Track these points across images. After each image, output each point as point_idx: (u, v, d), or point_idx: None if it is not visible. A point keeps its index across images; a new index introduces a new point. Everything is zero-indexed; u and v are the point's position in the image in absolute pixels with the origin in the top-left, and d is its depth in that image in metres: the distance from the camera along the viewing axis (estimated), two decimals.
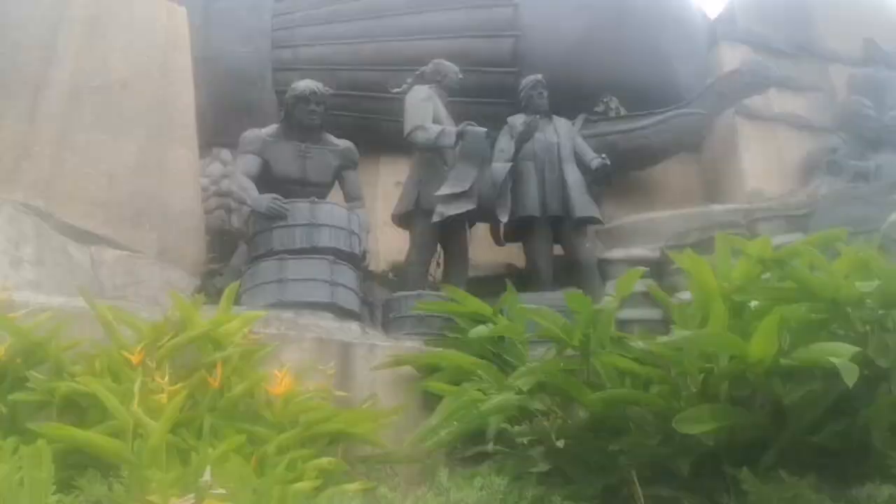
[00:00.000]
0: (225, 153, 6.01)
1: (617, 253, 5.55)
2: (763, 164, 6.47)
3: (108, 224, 4.25)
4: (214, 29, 6.46)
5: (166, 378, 2.81)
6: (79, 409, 2.75)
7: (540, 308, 3.39)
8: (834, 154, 6.25)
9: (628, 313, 4.80)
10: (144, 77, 4.72)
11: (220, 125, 5.79)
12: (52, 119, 4.30)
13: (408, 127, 5.11)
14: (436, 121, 5.13)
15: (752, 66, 6.30)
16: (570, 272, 5.36)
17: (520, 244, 5.59)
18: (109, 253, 4.13)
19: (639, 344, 3.11)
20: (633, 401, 2.86)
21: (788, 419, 2.61)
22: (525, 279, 5.34)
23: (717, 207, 5.93)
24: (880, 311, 2.60)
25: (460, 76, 5.52)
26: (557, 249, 5.51)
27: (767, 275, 2.93)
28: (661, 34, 6.73)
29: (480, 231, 5.67)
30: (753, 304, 2.91)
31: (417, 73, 5.49)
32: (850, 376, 2.17)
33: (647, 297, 4.67)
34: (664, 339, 3.01)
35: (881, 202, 4.46)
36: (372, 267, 5.58)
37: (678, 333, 2.79)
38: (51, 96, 4.38)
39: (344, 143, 5.08)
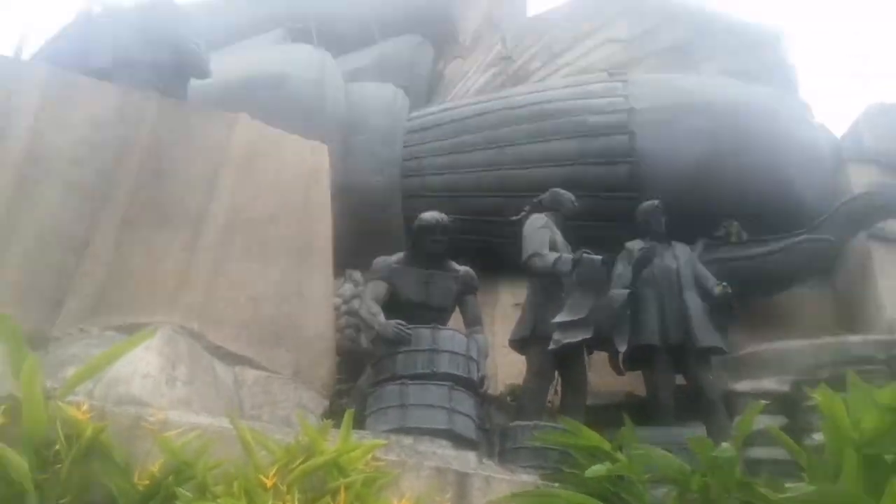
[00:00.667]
0: (357, 274, 6.43)
1: (744, 385, 5.34)
2: None
3: (251, 346, 4.63)
4: (351, 160, 7.09)
5: (295, 502, 3.00)
6: None
7: (655, 449, 3.34)
8: None
9: (758, 452, 4.59)
10: (289, 210, 5.22)
11: (353, 248, 6.21)
12: (208, 249, 4.82)
13: (525, 254, 5.31)
14: (552, 248, 5.30)
15: (885, 189, 6.09)
16: (694, 404, 5.20)
17: (640, 372, 5.51)
18: (250, 373, 4.49)
19: (764, 492, 3.00)
20: None
21: None
22: (646, 410, 5.24)
23: (852, 339, 5.61)
24: None
25: (576, 204, 5.71)
26: (680, 379, 5.39)
27: None
28: (783, 157, 6.67)
29: (601, 357, 5.66)
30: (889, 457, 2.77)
31: (535, 201, 5.73)
32: None
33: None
34: (792, 490, 2.91)
35: None
36: (491, 390, 5.67)
37: (804, 486, 2.69)
38: (208, 229, 4.91)
39: (464, 269, 5.34)
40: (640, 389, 5.57)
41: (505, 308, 6.54)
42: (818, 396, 3.21)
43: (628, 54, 8.75)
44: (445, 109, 7.79)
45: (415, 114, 7.81)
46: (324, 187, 5.53)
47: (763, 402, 3.59)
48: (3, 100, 4.73)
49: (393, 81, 8.25)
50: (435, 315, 5.04)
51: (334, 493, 3.20)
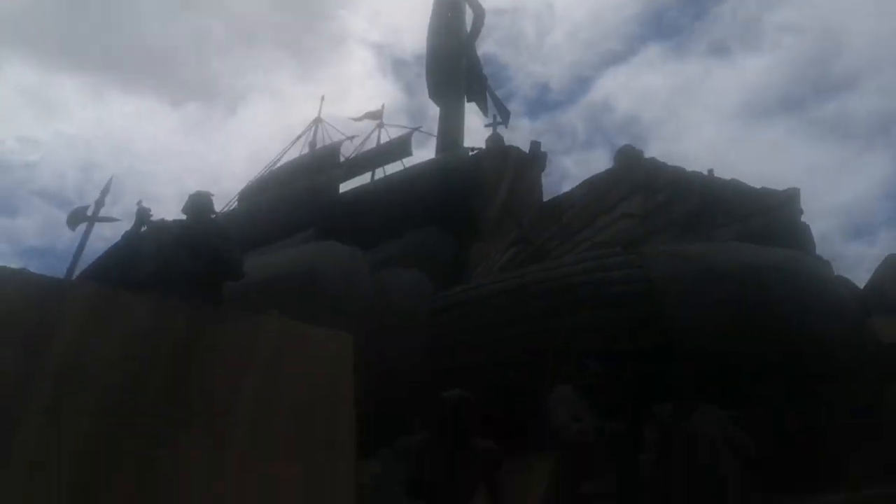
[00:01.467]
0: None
1: None
2: None
3: None
4: (378, 342, 7.28)
5: None
6: None
7: None
8: None
9: None
10: (315, 401, 5.35)
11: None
12: (235, 444, 4.93)
13: None
14: None
15: None
16: None
17: None
18: None
19: None
20: None
21: None
22: None
23: None
24: None
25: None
26: None
27: None
28: (807, 316, 6.66)
29: None
30: None
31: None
32: None
33: None
34: None
35: None
36: None
37: None
38: (235, 424, 5.05)
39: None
40: None
41: None
42: None
43: (644, 228, 9.12)
44: (468, 289, 8.10)
45: (440, 294, 8.13)
46: (347, 377, 5.67)
47: None
48: (46, 318, 5.12)
49: (417, 268, 8.67)
50: None
51: None
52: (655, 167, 9.83)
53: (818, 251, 8.38)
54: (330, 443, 5.19)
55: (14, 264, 6.26)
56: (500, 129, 16.66)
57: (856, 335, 6.71)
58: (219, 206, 6.99)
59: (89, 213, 9.07)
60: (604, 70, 65.00)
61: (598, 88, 64.62)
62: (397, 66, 65.11)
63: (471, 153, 13.16)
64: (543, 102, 64.59)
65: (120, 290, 5.46)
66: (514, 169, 13.24)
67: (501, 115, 17.02)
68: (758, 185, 9.33)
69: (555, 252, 8.85)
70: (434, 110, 16.64)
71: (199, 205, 6.17)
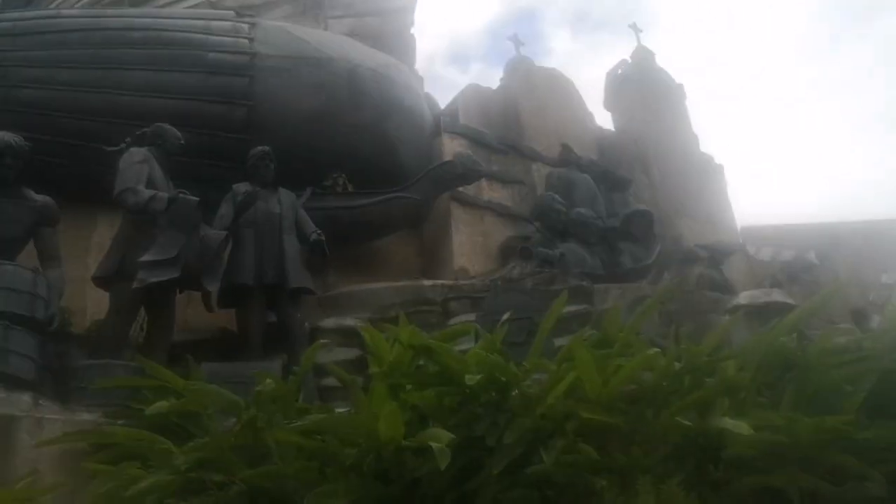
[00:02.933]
0: None
1: (329, 322, 5.86)
2: (470, 245, 7.28)
3: None
4: None
5: None
6: None
7: (209, 385, 3.52)
8: (526, 241, 7.22)
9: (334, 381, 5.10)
10: None
11: None
12: None
13: (118, 188, 5.04)
14: (150, 184, 5.12)
15: (464, 160, 7.10)
16: (282, 340, 5.56)
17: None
18: None
19: (304, 419, 3.37)
20: (284, 475, 3.08)
21: (421, 489, 3.00)
22: (237, 346, 5.45)
23: (425, 282, 6.54)
24: (494, 394, 3.14)
25: (182, 142, 5.56)
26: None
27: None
28: (390, 120, 7.34)
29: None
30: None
31: (138, 133, 5.45)
32: (443, 459, 2.59)
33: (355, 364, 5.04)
34: (318, 417, 3.32)
35: (539, 293, 5.29)
36: (78, 328, 5.34)
37: (322, 416, 3.09)
38: None
39: (42, 199, 4.86)
40: (235, 325, 5.76)
41: (102, 241, 6.08)
42: (364, 333, 3.69)
43: None
44: (46, 17, 6.87)
45: (5, 15, 6.75)
46: None
47: (327, 341, 3.96)
48: None
49: None
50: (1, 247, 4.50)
51: None
52: None
53: (417, 66, 9.11)
54: None
55: None
56: None
57: (427, 151, 7.65)
58: None
59: None
60: None
61: None
62: None
63: None
64: None
65: None
66: None
67: None
68: None
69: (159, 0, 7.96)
70: None
71: None
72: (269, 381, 3.59)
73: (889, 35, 29.71)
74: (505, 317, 3.95)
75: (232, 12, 7.52)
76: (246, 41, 7.05)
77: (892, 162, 28.30)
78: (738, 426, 2.41)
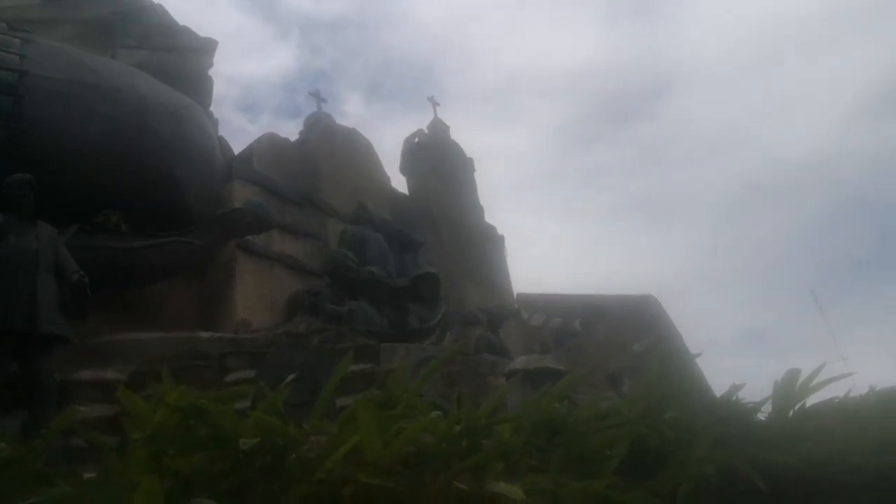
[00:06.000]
0: None
1: (86, 374, 5.24)
2: (255, 297, 7.00)
3: None
4: None
5: None
6: None
7: None
8: (315, 297, 7.10)
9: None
10: None
11: None
12: None
13: None
14: None
15: (255, 208, 6.87)
16: (27, 393, 4.84)
17: None
18: None
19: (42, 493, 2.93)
20: None
21: None
22: None
23: (201, 334, 6.11)
24: (270, 459, 2.97)
25: None
26: None
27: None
28: (179, 160, 6.91)
29: None
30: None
31: None
32: None
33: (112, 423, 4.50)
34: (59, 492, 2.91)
35: (325, 351, 5.19)
36: None
37: (65, 492, 2.71)
38: None
39: None
40: None
41: None
42: (120, 396, 3.31)
43: (43, 14, 7.95)
44: None
45: None
46: None
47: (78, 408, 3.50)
48: None
49: None
50: None
51: None
52: None
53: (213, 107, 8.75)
54: None
55: None
56: None
57: (217, 195, 7.30)
58: None
59: None
60: None
61: None
62: None
63: None
64: None
65: None
66: None
67: None
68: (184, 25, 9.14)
69: None
70: None
71: None
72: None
73: (642, 136, 34.44)
74: (289, 378, 3.78)
75: (3, 24, 6.71)
76: (16, 57, 6.31)
77: (647, 244, 32.22)
78: (511, 490, 2.48)
